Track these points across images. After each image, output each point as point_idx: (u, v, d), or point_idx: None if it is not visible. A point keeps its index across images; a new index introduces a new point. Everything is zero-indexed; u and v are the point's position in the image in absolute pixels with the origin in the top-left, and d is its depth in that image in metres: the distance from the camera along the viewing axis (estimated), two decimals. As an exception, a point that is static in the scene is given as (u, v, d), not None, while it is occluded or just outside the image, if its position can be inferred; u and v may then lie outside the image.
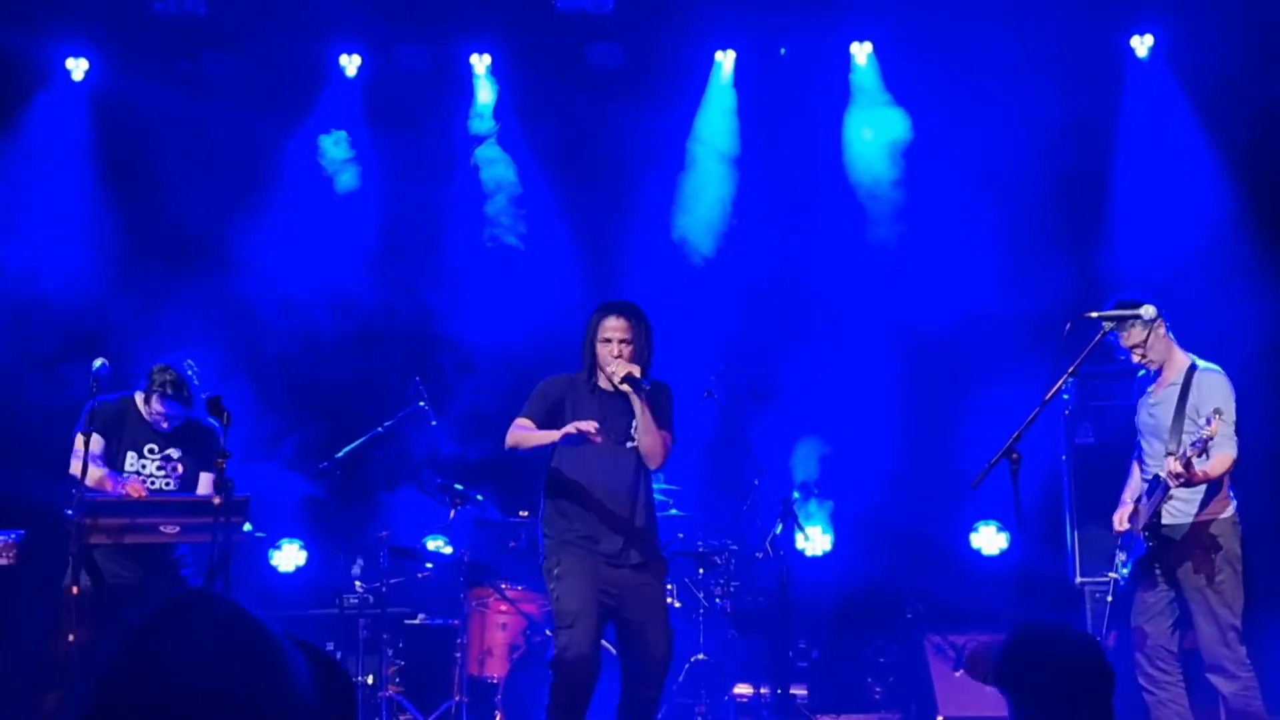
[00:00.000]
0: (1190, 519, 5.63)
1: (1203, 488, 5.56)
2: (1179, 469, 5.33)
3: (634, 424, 5.39)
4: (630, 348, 5.38)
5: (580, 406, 5.38)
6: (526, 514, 7.30)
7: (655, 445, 5.39)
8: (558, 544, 5.38)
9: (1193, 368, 5.68)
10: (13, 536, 5.99)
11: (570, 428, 5.18)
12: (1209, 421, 5.25)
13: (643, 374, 5.37)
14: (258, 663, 1.88)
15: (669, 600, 7.26)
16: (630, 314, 5.45)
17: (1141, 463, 5.91)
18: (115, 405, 5.98)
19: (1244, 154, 8.25)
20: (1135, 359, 5.76)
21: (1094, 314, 5.42)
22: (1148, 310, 5.46)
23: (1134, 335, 5.66)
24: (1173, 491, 5.51)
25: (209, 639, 1.86)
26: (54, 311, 8.03)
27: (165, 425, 6.04)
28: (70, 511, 5.55)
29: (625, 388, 5.32)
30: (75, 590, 5.44)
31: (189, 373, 6.06)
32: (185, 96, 8.43)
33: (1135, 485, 5.94)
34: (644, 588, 5.38)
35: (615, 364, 5.34)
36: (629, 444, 5.41)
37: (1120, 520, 5.90)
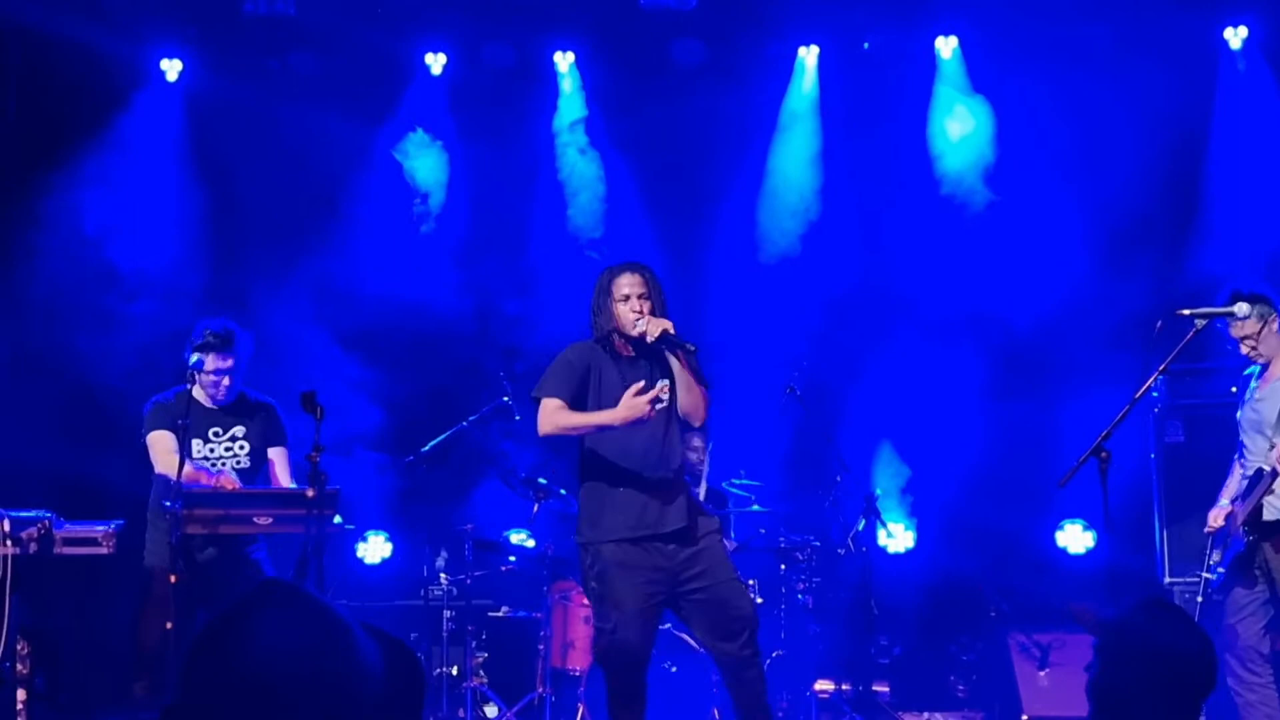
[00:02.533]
0: (1274, 527, 5.53)
1: None
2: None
3: (662, 384, 5.09)
4: (649, 303, 5.11)
5: (604, 374, 5.13)
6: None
7: (697, 402, 5.13)
8: (592, 539, 5.12)
9: None
10: (112, 526, 6.14)
11: (632, 408, 4.91)
12: None
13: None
14: (330, 648, 1.99)
15: (751, 596, 7.27)
16: (642, 270, 5.19)
17: (1243, 460, 5.81)
18: (174, 399, 6.04)
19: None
20: (1244, 350, 5.70)
21: (1186, 311, 5.35)
22: (1241, 308, 5.38)
23: (1247, 326, 5.61)
24: (1275, 485, 5.43)
25: (284, 626, 1.96)
26: (147, 306, 8.21)
27: (226, 385, 6.07)
28: (168, 502, 5.68)
29: (664, 344, 5.06)
30: (174, 579, 5.58)
31: (234, 327, 6.12)
32: (275, 95, 8.58)
33: (1234, 484, 5.86)
34: (698, 553, 5.06)
35: (646, 321, 5.04)
36: (660, 405, 5.07)
37: (1215, 518, 5.82)
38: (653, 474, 5.08)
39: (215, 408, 6.16)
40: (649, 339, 5.04)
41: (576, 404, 5.11)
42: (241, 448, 6.17)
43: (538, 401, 5.18)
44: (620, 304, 5.10)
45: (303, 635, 1.99)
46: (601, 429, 5.08)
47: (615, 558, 5.04)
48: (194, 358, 5.95)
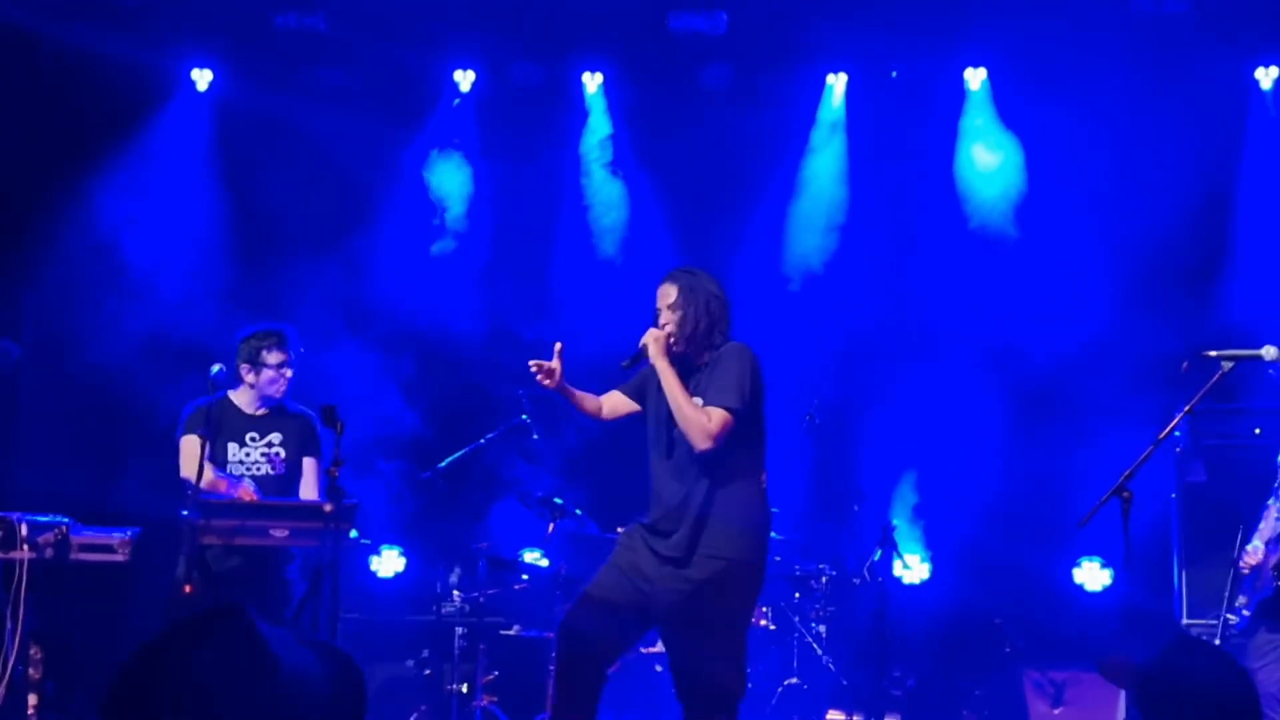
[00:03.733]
0: None
1: None
2: None
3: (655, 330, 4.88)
4: (678, 314, 4.84)
5: (652, 392, 4.94)
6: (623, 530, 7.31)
7: (685, 423, 4.72)
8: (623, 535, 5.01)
9: None
10: (129, 534, 6.16)
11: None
12: None
13: (689, 337, 4.84)
14: (251, 685, 2.02)
15: (762, 621, 7.25)
16: (677, 277, 4.93)
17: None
18: (215, 406, 6.06)
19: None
20: None
21: (1214, 353, 5.31)
22: (1269, 351, 5.33)
23: (1269, 353, 5.54)
24: None
25: (214, 654, 2.00)
26: (173, 314, 8.24)
27: (288, 377, 6.13)
28: (185, 511, 5.68)
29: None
30: (188, 589, 5.58)
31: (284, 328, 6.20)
32: (303, 108, 8.62)
33: (1269, 527, 5.80)
34: (678, 590, 4.70)
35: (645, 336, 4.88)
36: (675, 430, 4.85)
37: (1251, 558, 5.76)
38: (670, 499, 4.83)
39: (253, 413, 6.19)
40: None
41: (630, 393, 5.05)
42: (278, 454, 6.19)
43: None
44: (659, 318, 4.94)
45: (228, 667, 2.05)
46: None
47: (617, 549, 4.94)
48: (218, 367, 5.94)
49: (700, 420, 4.71)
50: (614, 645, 4.89)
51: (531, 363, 4.96)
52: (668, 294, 4.88)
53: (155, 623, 6.08)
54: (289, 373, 6.16)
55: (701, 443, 4.72)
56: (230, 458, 6.13)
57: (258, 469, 6.14)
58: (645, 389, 4.98)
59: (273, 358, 6.11)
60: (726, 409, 4.74)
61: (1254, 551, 5.76)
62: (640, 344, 4.82)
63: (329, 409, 5.35)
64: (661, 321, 4.85)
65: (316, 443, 6.23)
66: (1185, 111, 8.10)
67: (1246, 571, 5.78)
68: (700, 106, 8.67)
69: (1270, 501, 5.87)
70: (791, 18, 8.35)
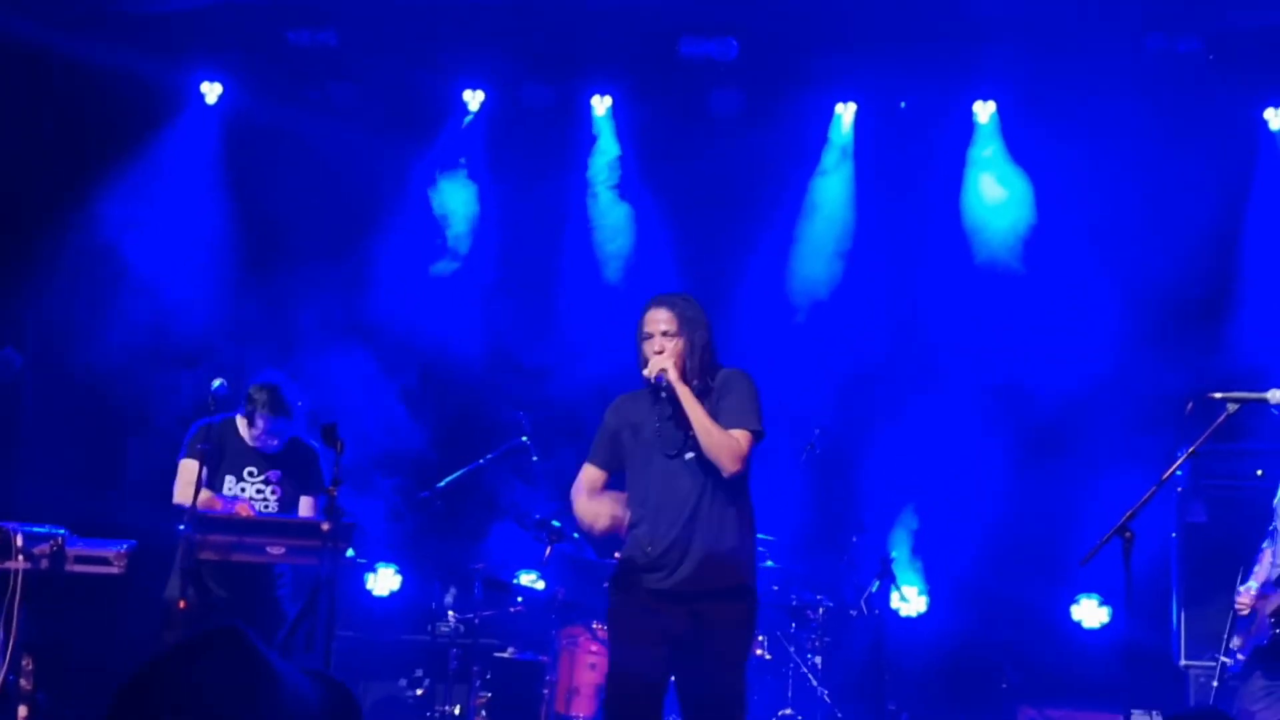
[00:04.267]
0: None
1: None
2: None
3: (691, 431, 4.73)
4: (677, 340, 4.75)
5: (642, 420, 4.83)
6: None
7: (715, 446, 4.66)
8: (615, 578, 4.88)
9: None
10: (124, 547, 6.14)
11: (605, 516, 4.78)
12: None
13: (693, 367, 4.77)
14: (251, 707, 1.99)
15: (758, 651, 7.22)
16: (674, 303, 4.82)
17: (1275, 546, 5.75)
18: (218, 428, 6.04)
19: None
20: None
21: (1219, 394, 5.30)
22: (1275, 395, 5.32)
23: (1274, 396, 5.52)
24: None
25: (213, 676, 2.00)
26: (177, 328, 8.24)
27: (275, 443, 6.12)
28: (182, 526, 5.66)
29: (660, 388, 4.73)
30: (183, 604, 5.55)
31: (286, 391, 6.11)
32: (313, 123, 8.63)
33: (1265, 569, 5.77)
34: (702, 630, 4.67)
35: (651, 361, 4.75)
36: (688, 455, 4.74)
37: (1246, 601, 5.73)
38: (677, 534, 4.72)
39: (256, 447, 6.15)
40: (650, 380, 4.76)
41: (612, 464, 4.92)
42: (274, 491, 6.16)
43: None
44: (645, 342, 4.82)
45: (230, 687, 2.05)
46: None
47: (622, 605, 4.87)
48: (219, 382, 5.91)
49: (730, 443, 4.70)
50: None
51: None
52: (663, 320, 4.79)
53: (149, 637, 6.05)
54: (275, 441, 6.10)
55: (732, 465, 4.70)
56: (225, 490, 6.10)
57: (252, 505, 6.11)
58: (618, 439, 4.89)
59: (258, 424, 6.06)
60: (750, 430, 4.76)
61: (1246, 592, 5.74)
62: (656, 371, 4.71)
63: (329, 428, 5.33)
64: (657, 347, 4.76)
65: (318, 479, 6.19)
66: (1195, 151, 8.09)
67: (1244, 613, 5.75)
68: (709, 132, 8.68)
69: (1265, 544, 5.85)
70: (802, 46, 8.36)
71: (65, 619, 6.19)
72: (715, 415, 4.75)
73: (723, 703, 4.72)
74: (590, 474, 4.95)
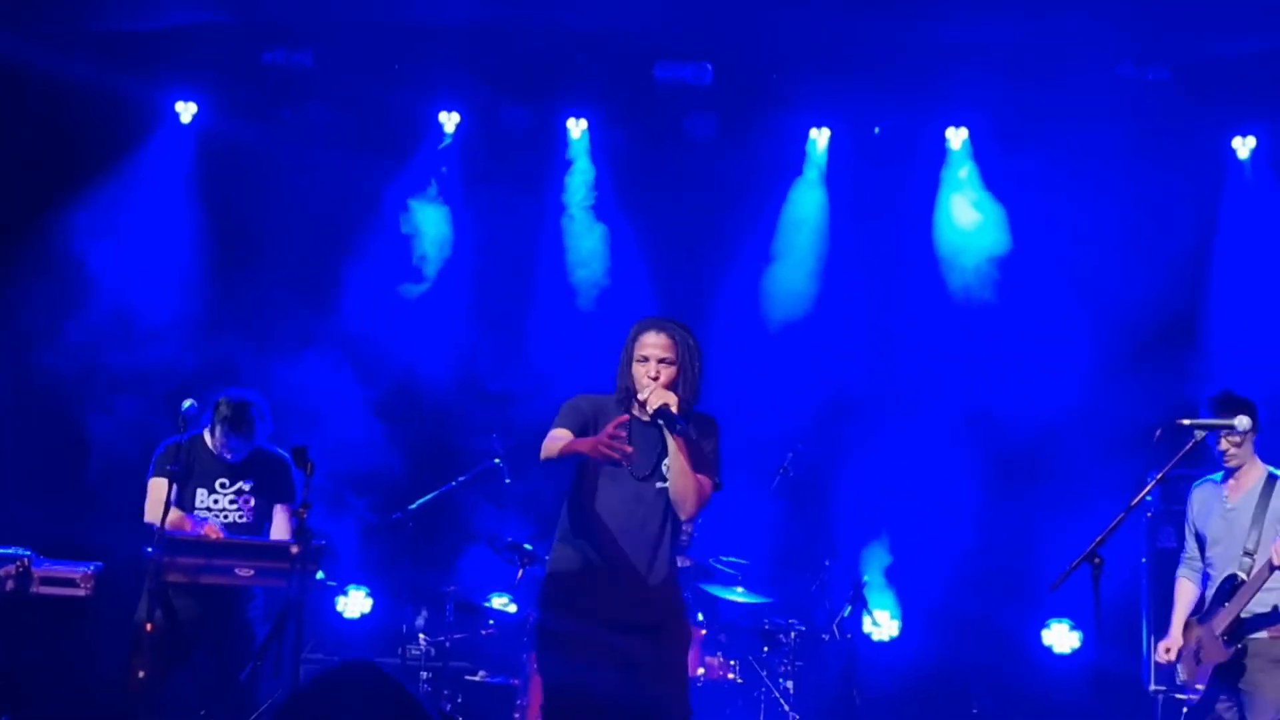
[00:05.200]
0: (1267, 630, 5.53)
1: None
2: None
3: (666, 462, 4.62)
4: (672, 369, 4.59)
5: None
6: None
7: (688, 491, 4.58)
8: (555, 592, 4.67)
9: (1272, 476, 5.71)
10: (91, 568, 6.08)
11: (605, 442, 4.34)
12: None
13: (685, 406, 4.59)
14: None
15: (733, 677, 7.21)
16: (674, 330, 4.65)
17: (1204, 574, 5.83)
18: (186, 445, 5.95)
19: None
20: (1224, 445, 5.67)
21: (1186, 421, 5.34)
22: (1242, 421, 5.38)
23: (1243, 424, 5.58)
24: (1257, 598, 5.43)
25: (369, 709, 1.97)
26: (147, 347, 8.20)
27: (229, 456, 6.08)
28: (150, 549, 5.62)
29: (660, 419, 4.52)
30: (150, 627, 5.50)
31: (255, 408, 6.06)
32: (287, 144, 8.62)
33: (1185, 604, 5.87)
34: (655, 660, 4.58)
35: (651, 389, 4.54)
36: (660, 484, 4.63)
37: (1169, 651, 5.80)
38: (639, 563, 4.62)
39: (226, 458, 6.12)
40: (648, 409, 4.55)
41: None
42: (247, 501, 6.11)
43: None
44: (639, 365, 4.61)
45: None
46: (575, 467, 4.67)
47: (569, 633, 4.66)
48: (189, 402, 5.87)
49: (703, 491, 4.64)
50: None
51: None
52: (663, 346, 4.61)
53: (117, 660, 5.99)
54: (230, 455, 6.06)
55: (693, 511, 4.67)
56: (198, 504, 6.06)
57: (225, 516, 6.07)
58: (587, 431, 4.61)
59: (219, 436, 6.02)
60: (715, 483, 4.71)
61: (1167, 647, 5.81)
62: (659, 404, 4.50)
63: (300, 450, 5.30)
64: (652, 373, 4.58)
65: (290, 488, 6.15)
66: (1164, 179, 8.19)
67: (1165, 662, 5.83)
68: (684, 156, 8.72)
69: (1179, 575, 5.97)
70: (777, 71, 8.42)
71: (31, 642, 6.13)
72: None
73: None
74: (563, 433, 4.64)
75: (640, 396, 4.56)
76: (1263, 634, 5.54)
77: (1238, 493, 5.73)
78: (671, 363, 4.60)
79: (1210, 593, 5.73)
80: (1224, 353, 8.09)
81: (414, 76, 8.59)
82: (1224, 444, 5.72)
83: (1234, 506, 5.72)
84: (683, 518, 4.68)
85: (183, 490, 5.97)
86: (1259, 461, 5.76)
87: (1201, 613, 5.78)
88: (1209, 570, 5.79)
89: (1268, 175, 8.40)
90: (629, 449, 4.40)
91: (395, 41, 8.39)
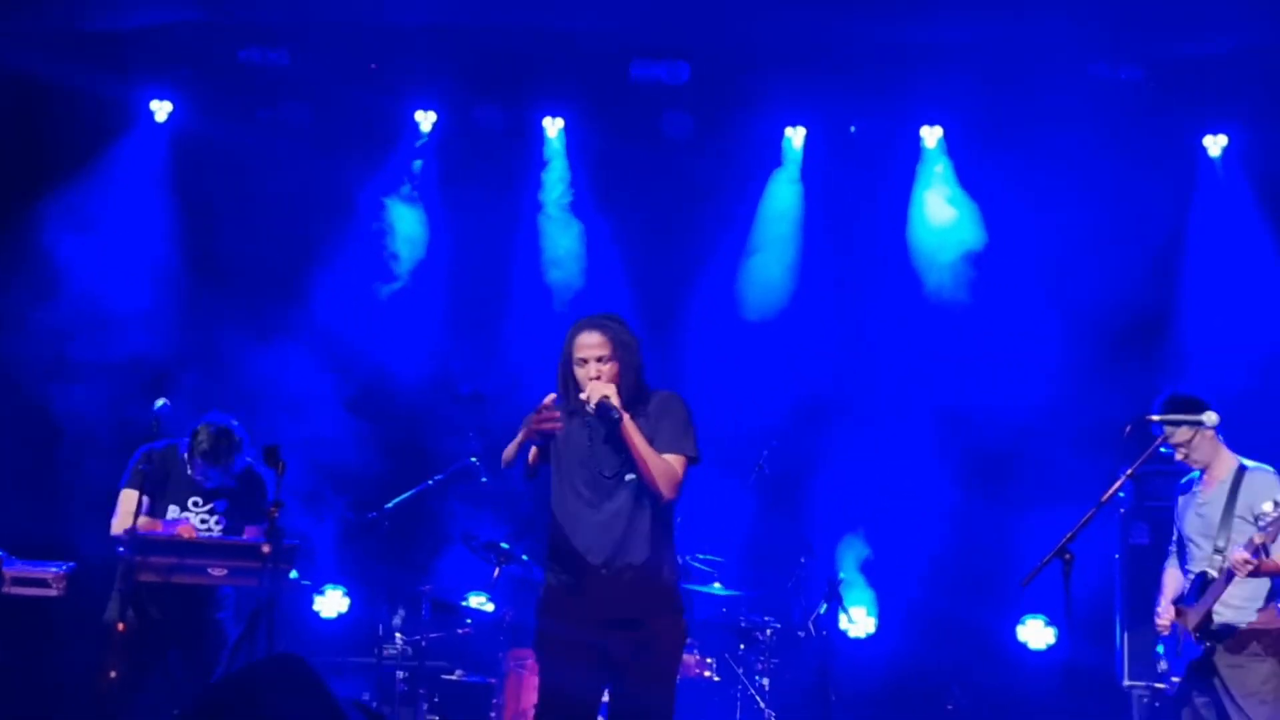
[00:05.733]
0: (1245, 623, 5.54)
1: (1262, 592, 5.51)
2: (1246, 556, 5.30)
3: (549, 396, 4.62)
4: (611, 365, 4.66)
5: (572, 435, 4.70)
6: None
7: (655, 474, 4.62)
8: (542, 600, 4.75)
9: (1242, 468, 5.69)
10: (63, 568, 6.07)
11: (533, 419, 4.46)
12: (1278, 506, 5.22)
13: (631, 391, 4.67)
14: None
15: (709, 674, 7.22)
16: (605, 327, 4.70)
17: (1183, 565, 5.85)
18: (160, 456, 5.95)
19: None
20: (1179, 456, 5.72)
21: (1155, 417, 5.38)
22: (1210, 417, 5.41)
23: (1179, 434, 5.63)
24: (1228, 592, 5.43)
25: (283, 700, 1.98)
26: (121, 345, 8.17)
27: (206, 484, 6.06)
28: (121, 549, 5.59)
29: (600, 413, 4.58)
30: (122, 627, 5.49)
31: (234, 439, 5.97)
32: (263, 143, 8.59)
33: (1172, 587, 5.89)
34: (636, 654, 4.63)
35: (590, 387, 4.62)
36: (628, 477, 4.68)
37: (1166, 620, 5.81)
38: (609, 556, 4.65)
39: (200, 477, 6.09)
40: (589, 407, 4.60)
41: (540, 461, 4.72)
42: (219, 521, 6.09)
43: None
44: (578, 368, 4.69)
45: (296, 710, 2.04)
46: (547, 477, 4.75)
47: (553, 629, 4.75)
48: (161, 401, 5.85)
49: (669, 470, 4.66)
50: None
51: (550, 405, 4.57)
52: (596, 344, 4.67)
53: (89, 660, 5.97)
54: (206, 483, 6.01)
55: (670, 492, 4.68)
56: (169, 519, 6.02)
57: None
58: (550, 445, 4.72)
59: (197, 463, 5.96)
60: (686, 456, 4.72)
61: (1166, 612, 5.82)
62: (598, 399, 4.57)
63: (271, 449, 5.29)
64: (592, 373, 4.64)
65: (262, 508, 6.10)
66: (1137, 177, 8.24)
67: (1166, 632, 5.84)
68: (660, 154, 8.73)
69: (1167, 564, 5.97)
70: (752, 70, 8.44)
71: (2, 643, 6.11)
72: (652, 439, 4.69)
73: None
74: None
75: (582, 396, 4.62)
76: (1232, 629, 5.53)
77: (1209, 489, 5.74)
78: (610, 358, 4.67)
79: (1186, 589, 5.75)
80: (1195, 349, 8.14)
81: (390, 76, 8.58)
82: (1178, 454, 5.71)
83: (1205, 502, 5.73)
84: (662, 501, 4.68)
85: (155, 503, 5.94)
86: (1227, 454, 5.74)
87: (1181, 604, 5.79)
88: (1187, 567, 5.81)
89: (1238, 173, 8.45)
90: (556, 415, 4.48)
91: (371, 41, 8.39)
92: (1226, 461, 5.73)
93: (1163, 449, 5.66)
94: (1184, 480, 5.93)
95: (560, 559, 4.73)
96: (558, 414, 4.52)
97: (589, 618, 4.65)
